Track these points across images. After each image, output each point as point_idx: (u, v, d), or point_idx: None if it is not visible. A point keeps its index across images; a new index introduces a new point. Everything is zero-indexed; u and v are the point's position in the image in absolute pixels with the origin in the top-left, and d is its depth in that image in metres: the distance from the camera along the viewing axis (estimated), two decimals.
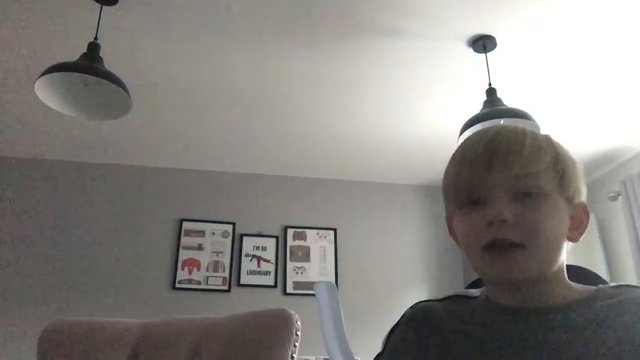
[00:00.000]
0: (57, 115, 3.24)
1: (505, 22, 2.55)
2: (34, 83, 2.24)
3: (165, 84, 3.04)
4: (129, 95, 2.35)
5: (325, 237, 4.11)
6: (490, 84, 2.69)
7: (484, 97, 2.67)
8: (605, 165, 4.05)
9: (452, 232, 0.84)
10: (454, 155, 0.81)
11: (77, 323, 1.05)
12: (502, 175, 0.74)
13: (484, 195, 0.74)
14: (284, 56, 2.80)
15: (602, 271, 3.85)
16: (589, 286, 0.79)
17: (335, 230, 4.13)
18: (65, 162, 3.95)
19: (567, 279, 0.78)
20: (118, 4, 2.40)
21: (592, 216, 3.99)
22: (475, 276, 0.88)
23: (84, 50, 2.34)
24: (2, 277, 3.56)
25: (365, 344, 3.87)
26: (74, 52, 2.39)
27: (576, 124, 3.46)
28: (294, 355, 1.09)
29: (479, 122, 2.55)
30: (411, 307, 0.87)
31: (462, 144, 0.81)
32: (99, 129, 3.53)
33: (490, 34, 2.62)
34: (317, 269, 4.01)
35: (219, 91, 3.12)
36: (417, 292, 4.05)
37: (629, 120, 3.42)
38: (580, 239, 0.78)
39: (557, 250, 0.74)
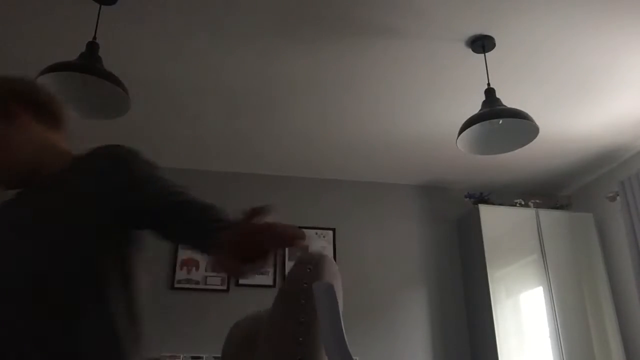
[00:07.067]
0: None
1: (504, 22, 2.55)
2: None
3: (164, 83, 3.04)
4: (128, 95, 2.35)
5: (324, 237, 4.11)
6: (489, 84, 2.69)
7: (483, 97, 2.67)
8: (603, 166, 4.05)
9: None
10: None
11: None
12: None
13: None
14: (284, 56, 2.80)
15: (600, 270, 3.86)
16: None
17: (334, 230, 4.13)
18: None
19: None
20: (117, 3, 2.40)
21: (590, 216, 4.03)
22: None
23: (83, 49, 2.34)
24: None
25: (365, 344, 3.87)
26: (73, 51, 2.39)
27: (575, 123, 3.46)
28: None
29: (478, 122, 2.56)
30: None
31: None
32: (98, 129, 3.53)
33: (489, 34, 2.63)
34: None
35: (218, 91, 3.12)
36: (416, 293, 4.05)
37: (627, 120, 3.43)
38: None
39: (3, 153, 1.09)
